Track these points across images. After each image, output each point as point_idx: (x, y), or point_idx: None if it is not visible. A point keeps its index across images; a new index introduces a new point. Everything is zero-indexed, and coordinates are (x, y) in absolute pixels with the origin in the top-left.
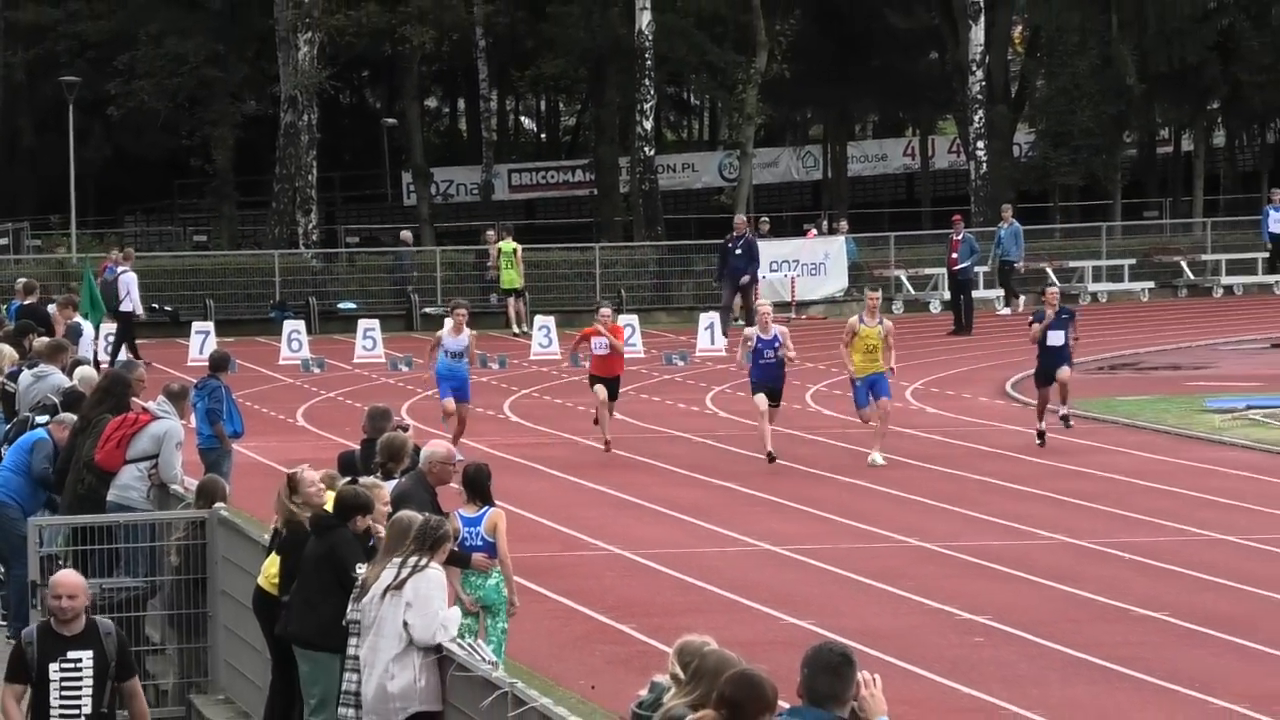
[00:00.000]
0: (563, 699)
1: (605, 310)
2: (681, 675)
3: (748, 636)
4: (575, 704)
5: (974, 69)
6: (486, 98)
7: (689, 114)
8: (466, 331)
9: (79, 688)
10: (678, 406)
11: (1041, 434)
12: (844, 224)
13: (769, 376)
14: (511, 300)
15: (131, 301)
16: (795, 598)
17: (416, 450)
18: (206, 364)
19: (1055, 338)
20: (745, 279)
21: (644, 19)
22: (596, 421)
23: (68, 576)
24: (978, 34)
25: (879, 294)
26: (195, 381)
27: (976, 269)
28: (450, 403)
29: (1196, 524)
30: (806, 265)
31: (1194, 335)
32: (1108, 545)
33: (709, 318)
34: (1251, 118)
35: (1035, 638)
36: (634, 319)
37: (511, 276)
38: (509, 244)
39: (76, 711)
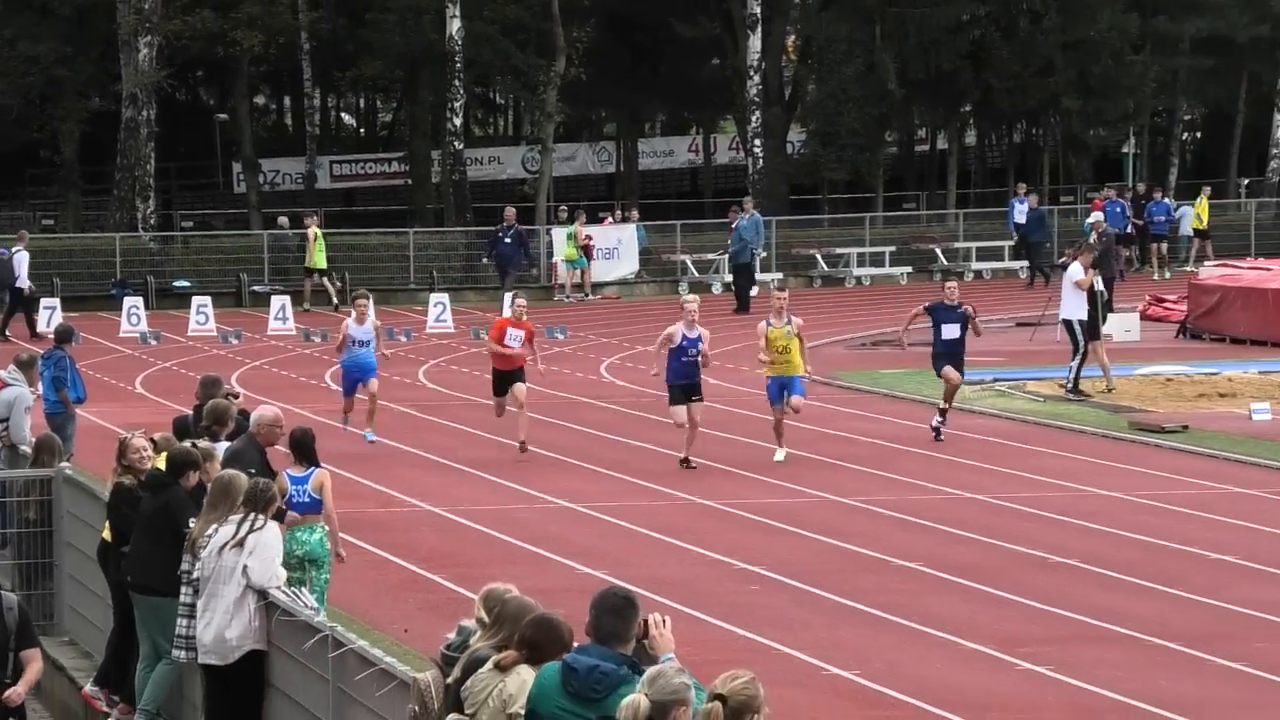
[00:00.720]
0: (378, 641)
1: (521, 301)
2: (486, 619)
3: (547, 585)
4: (390, 646)
5: (752, 74)
6: (310, 96)
7: (495, 112)
8: (370, 320)
9: None
10: (484, 377)
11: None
12: (635, 213)
13: (686, 374)
14: (325, 279)
15: (22, 280)
16: (590, 550)
17: (244, 415)
18: (53, 337)
19: (950, 330)
20: (521, 268)
21: (454, 26)
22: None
23: None
24: (755, 43)
25: (785, 294)
26: (43, 352)
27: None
28: (351, 401)
29: (950, 484)
30: (602, 250)
31: None
32: (870, 503)
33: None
34: (1000, 119)
35: (805, 585)
36: (444, 297)
37: (321, 258)
38: (319, 230)
39: None
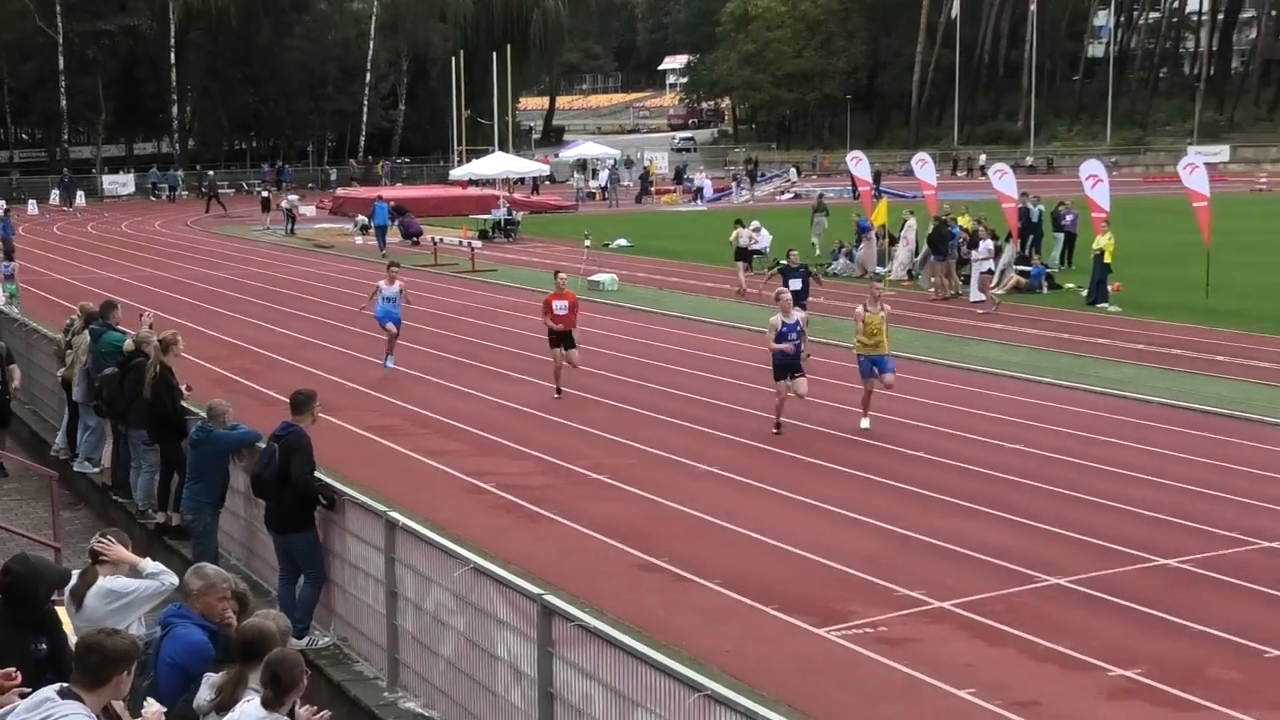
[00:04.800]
0: (47, 325)
1: (563, 275)
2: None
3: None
4: (52, 328)
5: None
6: None
7: (93, 122)
8: (398, 282)
9: None
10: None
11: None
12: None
13: (791, 360)
14: None
15: None
16: (156, 302)
17: None
18: None
19: (795, 284)
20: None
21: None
22: (558, 377)
23: None
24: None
25: (882, 284)
26: None
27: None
28: (392, 326)
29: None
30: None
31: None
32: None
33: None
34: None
35: (236, 293)
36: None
37: None
38: None
39: None
